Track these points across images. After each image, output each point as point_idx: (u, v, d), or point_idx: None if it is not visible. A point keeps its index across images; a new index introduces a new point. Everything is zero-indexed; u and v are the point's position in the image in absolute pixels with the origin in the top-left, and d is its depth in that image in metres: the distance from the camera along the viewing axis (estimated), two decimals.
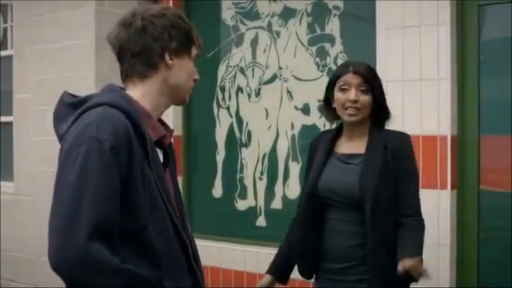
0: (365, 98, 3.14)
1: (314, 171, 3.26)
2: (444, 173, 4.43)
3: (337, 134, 3.32)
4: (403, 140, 3.17)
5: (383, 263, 3.03)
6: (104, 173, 1.93)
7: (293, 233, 3.43)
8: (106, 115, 2.00)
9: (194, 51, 2.26)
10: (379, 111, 3.21)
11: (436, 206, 4.43)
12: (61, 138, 2.11)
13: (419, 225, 3.11)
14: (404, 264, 2.91)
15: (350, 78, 3.16)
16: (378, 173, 3.05)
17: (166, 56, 2.18)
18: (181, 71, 2.22)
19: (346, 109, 3.15)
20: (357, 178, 3.09)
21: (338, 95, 3.20)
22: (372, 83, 3.15)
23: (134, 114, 2.05)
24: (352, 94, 3.13)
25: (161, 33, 2.16)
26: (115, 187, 1.95)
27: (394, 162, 3.07)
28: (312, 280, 3.41)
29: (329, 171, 3.20)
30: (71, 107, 2.12)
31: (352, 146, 3.21)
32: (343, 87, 3.17)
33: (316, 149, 3.33)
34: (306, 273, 3.38)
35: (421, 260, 2.99)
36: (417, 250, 3.03)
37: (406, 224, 3.07)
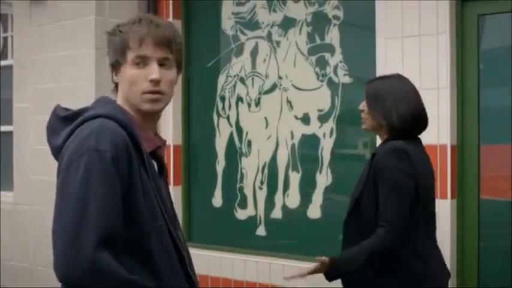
0: (366, 109, 3.24)
1: None
2: (444, 182, 4.43)
3: None
4: (383, 152, 3.08)
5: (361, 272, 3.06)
6: (106, 183, 1.93)
7: None
8: (104, 127, 2.01)
9: (131, 55, 2.14)
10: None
11: (436, 215, 4.43)
12: (55, 150, 2.12)
13: (378, 237, 2.98)
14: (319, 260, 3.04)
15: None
16: (362, 183, 3.13)
17: (114, 77, 2.21)
18: (123, 82, 2.17)
19: None
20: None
21: None
22: (368, 97, 3.23)
23: (130, 126, 2.06)
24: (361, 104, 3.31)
25: (108, 53, 2.21)
26: (118, 196, 1.95)
27: (375, 174, 3.06)
28: None
29: None
30: (64, 120, 2.13)
31: None
32: None
33: None
34: None
35: (332, 265, 3.02)
36: (344, 259, 3.05)
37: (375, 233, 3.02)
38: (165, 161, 2.34)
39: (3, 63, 7.23)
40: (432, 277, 3.11)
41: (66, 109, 2.19)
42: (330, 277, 3.09)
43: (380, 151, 3.10)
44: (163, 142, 2.30)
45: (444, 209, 4.42)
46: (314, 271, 3.09)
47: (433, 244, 3.22)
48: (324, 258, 3.04)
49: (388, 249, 2.97)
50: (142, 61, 2.13)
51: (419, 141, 3.25)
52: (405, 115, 3.13)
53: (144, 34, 2.12)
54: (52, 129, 2.17)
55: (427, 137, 4.46)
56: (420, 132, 3.26)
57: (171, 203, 2.32)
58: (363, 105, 3.27)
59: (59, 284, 2.00)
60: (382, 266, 3.03)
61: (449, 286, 4.39)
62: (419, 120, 3.21)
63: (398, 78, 3.32)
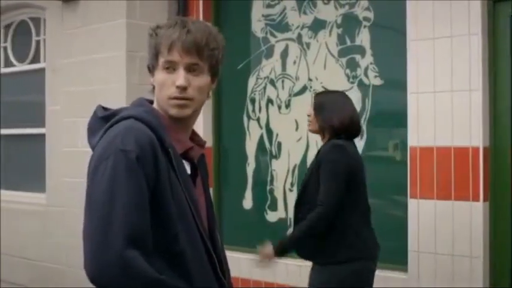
0: (312, 115, 3.87)
1: None
2: (476, 185, 4.39)
3: None
4: (326, 147, 3.76)
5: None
6: (132, 182, 1.94)
7: None
8: (131, 128, 2.02)
9: (161, 60, 2.15)
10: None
11: (469, 218, 4.39)
12: (93, 150, 2.14)
13: (314, 214, 3.64)
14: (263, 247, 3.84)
15: None
16: (309, 174, 3.82)
17: (151, 79, 2.20)
18: (156, 85, 2.16)
19: None
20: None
21: None
22: (315, 106, 3.85)
23: (158, 128, 2.06)
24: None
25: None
26: (144, 195, 1.96)
27: (318, 166, 3.72)
28: None
29: None
30: (102, 120, 2.15)
31: None
32: None
33: None
34: None
35: (280, 248, 3.77)
36: (287, 239, 3.88)
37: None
38: (205, 162, 2.34)
39: (36, 66, 7.30)
40: (360, 246, 3.72)
41: (105, 109, 2.20)
42: (277, 253, 3.80)
43: (323, 147, 3.77)
44: (202, 144, 2.30)
45: (476, 212, 4.38)
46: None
47: (364, 222, 3.82)
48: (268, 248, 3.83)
49: (323, 222, 3.64)
50: (171, 66, 2.12)
51: (353, 142, 3.89)
52: (343, 119, 3.78)
53: (173, 39, 2.11)
54: (91, 129, 2.19)
55: (459, 139, 4.44)
56: (355, 137, 3.84)
57: (211, 203, 2.32)
58: (309, 111, 3.89)
59: (91, 285, 2.02)
60: (323, 235, 3.69)
61: (480, 286, 4.37)
62: (353, 125, 3.83)
63: (341, 95, 4.02)
